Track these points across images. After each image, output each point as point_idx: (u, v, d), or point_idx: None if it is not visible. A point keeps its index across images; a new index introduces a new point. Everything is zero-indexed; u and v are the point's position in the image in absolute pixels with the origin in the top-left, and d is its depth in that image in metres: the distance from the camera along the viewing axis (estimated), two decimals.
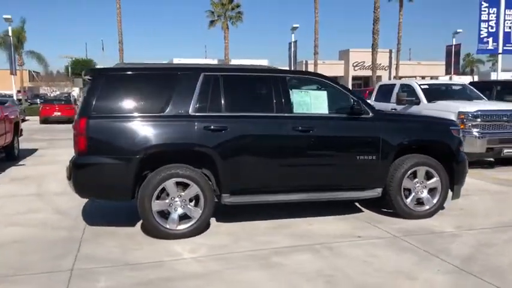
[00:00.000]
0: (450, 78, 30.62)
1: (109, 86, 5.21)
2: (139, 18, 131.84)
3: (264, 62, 31.00)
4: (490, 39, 18.63)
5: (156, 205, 5.11)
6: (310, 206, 6.16)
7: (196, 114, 5.28)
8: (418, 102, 10.56)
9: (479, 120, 9.34)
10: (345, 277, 4.12)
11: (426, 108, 10.10)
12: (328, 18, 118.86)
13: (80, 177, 5.16)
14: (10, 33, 31.05)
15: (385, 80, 34.78)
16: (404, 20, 42.30)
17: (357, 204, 6.60)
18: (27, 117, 27.69)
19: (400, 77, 40.33)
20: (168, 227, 5.14)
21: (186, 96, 5.30)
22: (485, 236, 5.28)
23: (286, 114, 5.52)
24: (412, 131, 6.03)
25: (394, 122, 6.06)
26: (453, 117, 8.88)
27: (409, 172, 5.87)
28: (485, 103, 10.32)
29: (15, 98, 29.08)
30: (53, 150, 13.55)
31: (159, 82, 5.42)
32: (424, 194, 5.98)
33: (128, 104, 5.22)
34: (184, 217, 5.22)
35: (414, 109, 10.48)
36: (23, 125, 13.35)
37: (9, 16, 29.70)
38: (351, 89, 7.16)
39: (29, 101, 43.27)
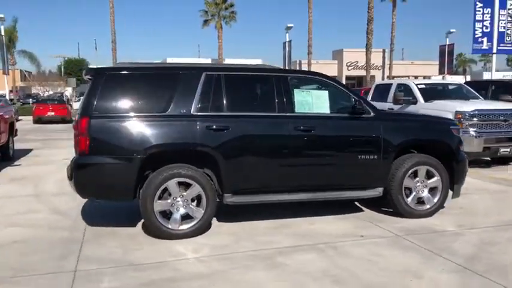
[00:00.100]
0: (443, 78, 30.77)
1: (110, 85, 5.16)
2: (133, 17, 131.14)
3: (257, 62, 30.98)
4: (485, 39, 18.74)
5: (158, 205, 5.07)
6: (310, 205, 6.14)
7: (198, 113, 5.25)
8: (415, 101, 10.59)
9: (476, 119, 9.38)
10: (351, 276, 4.11)
11: (423, 107, 10.13)
12: (322, 18, 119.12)
13: (82, 177, 5.11)
14: (2, 33, 30.76)
15: (380, 80, 34.89)
16: (397, 19, 42.51)
17: (356, 203, 6.61)
18: (20, 117, 27.47)
19: (393, 77, 40.50)
20: (170, 227, 5.11)
21: (188, 95, 5.27)
22: (487, 234, 5.30)
23: (288, 114, 5.51)
24: (413, 130, 6.05)
25: (395, 122, 6.06)
26: (450, 116, 8.92)
27: (410, 171, 5.88)
28: (481, 103, 10.38)
29: (7, 97, 28.81)
30: (47, 150, 13.46)
31: (160, 81, 5.38)
32: (425, 193, 6.00)
33: (129, 103, 5.18)
34: (186, 217, 5.19)
35: (411, 109, 10.51)
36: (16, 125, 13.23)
37: (1, 15, 29.43)
38: None
39: (21, 100, 42.95)
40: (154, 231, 5.13)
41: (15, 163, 10.84)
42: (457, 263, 4.39)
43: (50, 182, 8.50)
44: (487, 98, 11.56)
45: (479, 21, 18.64)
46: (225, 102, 5.37)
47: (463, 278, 4.08)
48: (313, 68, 37.27)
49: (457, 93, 11.30)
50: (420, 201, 6.00)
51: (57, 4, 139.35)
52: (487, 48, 19.01)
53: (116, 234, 5.33)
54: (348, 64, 46.66)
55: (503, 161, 10.22)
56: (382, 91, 12.14)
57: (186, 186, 5.17)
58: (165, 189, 5.10)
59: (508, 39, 19.16)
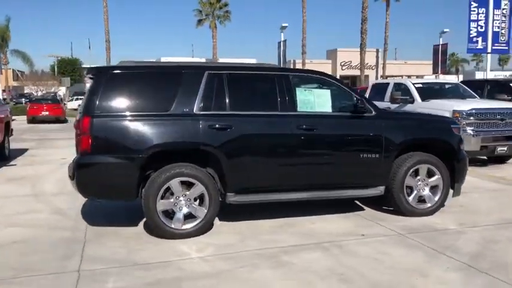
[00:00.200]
0: (436, 77, 30.90)
1: (112, 84, 5.13)
2: (126, 16, 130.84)
3: (252, 61, 30.93)
4: (480, 39, 18.86)
5: (161, 205, 5.05)
6: (311, 204, 6.12)
7: (201, 112, 5.23)
8: (412, 101, 10.62)
9: (473, 118, 9.42)
10: (358, 275, 4.11)
11: (420, 107, 10.16)
12: (316, 18, 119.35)
13: (84, 177, 5.07)
14: None
15: (374, 80, 34.96)
16: (390, 19, 42.69)
17: (357, 202, 6.61)
18: (13, 117, 27.25)
19: (387, 76, 40.66)
20: (173, 226, 5.08)
21: (191, 94, 5.24)
22: (489, 232, 5.32)
23: (290, 113, 5.50)
24: (414, 129, 6.06)
25: (397, 121, 6.07)
26: (448, 115, 8.96)
27: (412, 170, 5.89)
28: (478, 102, 10.43)
29: (1, 97, 28.59)
30: (43, 150, 13.37)
31: (162, 80, 5.36)
32: (426, 192, 6.02)
33: (132, 102, 5.14)
34: (189, 216, 5.17)
35: (408, 108, 10.53)
36: None
37: None
38: None
39: (13, 100, 42.66)
40: (158, 230, 5.10)
41: (12, 163, 10.75)
42: (462, 261, 4.40)
43: (48, 182, 8.44)
44: (483, 97, 11.63)
45: (474, 21, 18.76)
46: (227, 101, 5.35)
47: (468, 276, 4.09)
48: (307, 68, 37.32)
49: (454, 92, 11.36)
50: (421, 199, 6.01)
51: (50, 3, 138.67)
52: (481, 47, 19.12)
53: (118, 234, 5.29)
54: (342, 64, 46.81)
55: (499, 159, 10.28)
56: (379, 90, 12.15)
57: (188, 185, 5.15)
58: (168, 189, 5.07)
59: (502, 39, 19.29)
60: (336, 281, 4.00)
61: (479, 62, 75.70)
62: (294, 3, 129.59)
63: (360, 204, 6.53)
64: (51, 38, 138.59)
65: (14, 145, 12.62)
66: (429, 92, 10.99)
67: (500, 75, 31.75)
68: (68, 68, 55.79)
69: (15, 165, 10.52)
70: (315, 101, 5.69)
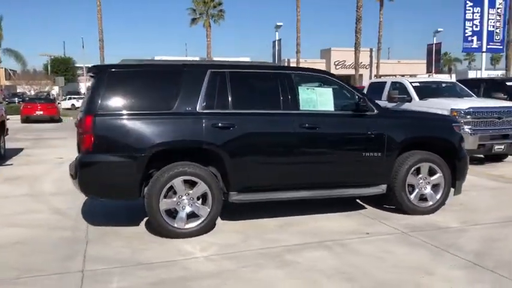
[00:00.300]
0: (429, 76, 31.03)
1: (114, 82, 5.09)
2: (120, 15, 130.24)
3: (246, 60, 30.90)
4: (475, 38, 18.93)
5: (164, 204, 5.02)
6: (312, 202, 6.10)
7: (204, 111, 5.20)
8: (409, 99, 10.63)
9: (471, 117, 9.45)
10: (364, 274, 4.11)
11: (418, 105, 10.18)
12: (310, 17, 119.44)
13: (86, 176, 5.02)
14: None
15: (368, 79, 35.08)
16: (384, 19, 42.81)
17: (358, 200, 6.61)
18: (7, 117, 27.05)
19: (380, 76, 40.75)
20: (176, 225, 5.05)
21: (193, 93, 5.21)
22: (492, 230, 5.34)
23: (293, 112, 5.49)
24: (416, 127, 6.07)
25: (398, 119, 6.08)
26: (446, 114, 8.98)
27: (413, 168, 5.90)
28: (475, 100, 10.47)
29: None
30: (38, 149, 13.27)
31: (165, 79, 5.32)
32: (428, 190, 6.03)
33: (134, 101, 5.11)
34: (191, 215, 5.14)
35: (406, 107, 10.55)
36: None
37: None
38: None
39: (6, 100, 42.29)
40: (160, 230, 5.07)
41: (7, 162, 10.66)
42: (466, 259, 4.41)
43: (46, 182, 8.37)
44: (479, 96, 11.68)
45: (469, 20, 18.83)
46: (230, 99, 5.32)
47: (473, 274, 4.10)
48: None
49: (451, 91, 11.38)
50: (423, 198, 6.03)
51: (43, 2, 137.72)
52: (476, 46, 19.19)
53: (120, 234, 5.25)
54: (336, 63, 46.85)
55: (496, 158, 10.33)
56: (376, 89, 12.15)
57: (191, 184, 5.12)
58: (171, 188, 5.04)
59: (497, 38, 19.39)
60: (341, 280, 3.99)
61: (472, 61, 76.26)
62: (289, 2, 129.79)
63: (362, 203, 6.53)
64: (44, 36, 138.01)
65: (8, 145, 12.51)
66: (426, 90, 11.00)
67: (492, 74, 32.02)
68: (61, 67, 55.44)
69: (11, 164, 10.43)
70: (317, 99, 5.68)
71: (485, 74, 26.57)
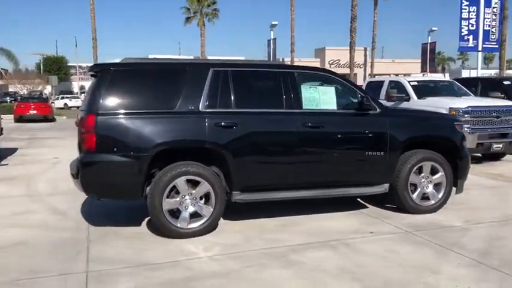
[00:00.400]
0: (423, 75, 31.11)
1: (116, 81, 5.03)
2: (113, 13, 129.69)
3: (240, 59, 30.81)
4: (471, 37, 18.98)
5: (167, 204, 4.97)
6: (314, 202, 6.07)
7: (207, 110, 5.15)
8: (408, 98, 10.65)
9: (469, 116, 9.47)
10: (369, 273, 4.09)
11: (416, 104, 10.17)
12: (304, 16, 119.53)
13: (88, 176, 4.96)
14: None
15: (362, 78, 35.16)
16: (378, 18, 42.92)
17: (359, 200, 6.60)
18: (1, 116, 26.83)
19: (375, 75, 40.83)
20: (179, 225, 5.01)
21: (196, 92, 5.17)
22: (495, 229, 5.35)
23: (296, 111, 5.45)
24: (418, 126, 6.07)
25: (401, 118, 6.07)
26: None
27: (416, 167, 5.89)
28: (473, 99, 10.49)
29: None
30: (33, 149, 13.15)
31: (167, 78, 5.27)
32: (430, 189, 6.02)
33: (136, 100, 5.06)
34: (194, 215, 5.10)
35: (404, 106, 10.56)
36: None
37: None
38: None
39: None
40: (163, 230, 5.02)
41: (2, 162, 10.54)
42: (471, 258, 4.41)
43: (42, 182, 8.28)
44: (476, 95, 11.71)
45: (465, 19, 18.88)
46: (233, 98, 5.28)
47: (479, 273, 4.09)
48: None
49: (449, 90, 11.39)
50: (425, 197, 6.02)
51: (35, 0, 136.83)
52: (472, 46, 19.25)
53: (121, 234, 5.20)
54: (330, 62, 46.84)
55: (494, 157, 10.36)
56: (374, 88, 12.13)
57: (194, 184, 5.07)
58: (174, 187, 4.99)
59: (493, 37, 19.47)
60: (347, 279, 3.96)
61: (465, 60, 76.69)
62: (283, 1, 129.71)
63: (363, 202, 6.52)
64: (36, 35, 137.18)
65: (2, 144, 12.39)
66: (424, 89, 11.01)
67: (486, 73, 32.16)
68: (53, 66, 55.08)
69: (6, 164, 10.32)
70: (320, 98, 5.64)
71: (478, 73, 26.72)
